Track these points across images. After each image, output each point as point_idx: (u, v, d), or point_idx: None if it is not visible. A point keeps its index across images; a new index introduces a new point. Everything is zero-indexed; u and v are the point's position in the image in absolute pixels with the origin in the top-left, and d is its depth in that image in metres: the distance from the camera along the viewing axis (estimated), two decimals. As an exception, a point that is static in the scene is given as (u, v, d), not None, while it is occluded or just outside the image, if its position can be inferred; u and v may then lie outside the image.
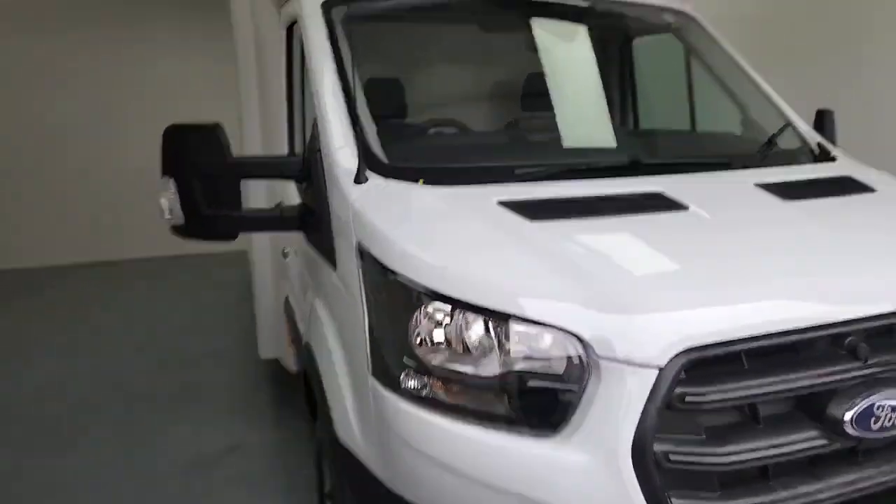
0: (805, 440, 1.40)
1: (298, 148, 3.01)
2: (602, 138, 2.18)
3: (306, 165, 2.13)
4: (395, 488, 1.55)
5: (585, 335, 1.36)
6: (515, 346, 1.41)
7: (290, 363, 3.60)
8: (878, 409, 1.41)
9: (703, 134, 2.47)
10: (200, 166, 2.06)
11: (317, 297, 2.14)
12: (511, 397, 1.41)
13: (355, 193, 1.85)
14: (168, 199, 2.10)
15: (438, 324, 1.47)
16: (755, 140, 2.46)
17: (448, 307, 1.46)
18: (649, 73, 3.12)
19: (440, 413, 1.46)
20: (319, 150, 2.11)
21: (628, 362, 1.33)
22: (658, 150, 2.17)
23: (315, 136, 2.18)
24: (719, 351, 1.36)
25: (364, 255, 1.70)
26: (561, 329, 1.38)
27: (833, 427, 1.41)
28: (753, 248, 1.61)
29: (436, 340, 1.48)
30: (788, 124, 2.52)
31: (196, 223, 2.11)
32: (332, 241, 1.95)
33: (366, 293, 1.66)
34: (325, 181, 2.04)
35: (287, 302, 3.33)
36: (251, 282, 4.79)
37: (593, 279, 1.43)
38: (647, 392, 1.31)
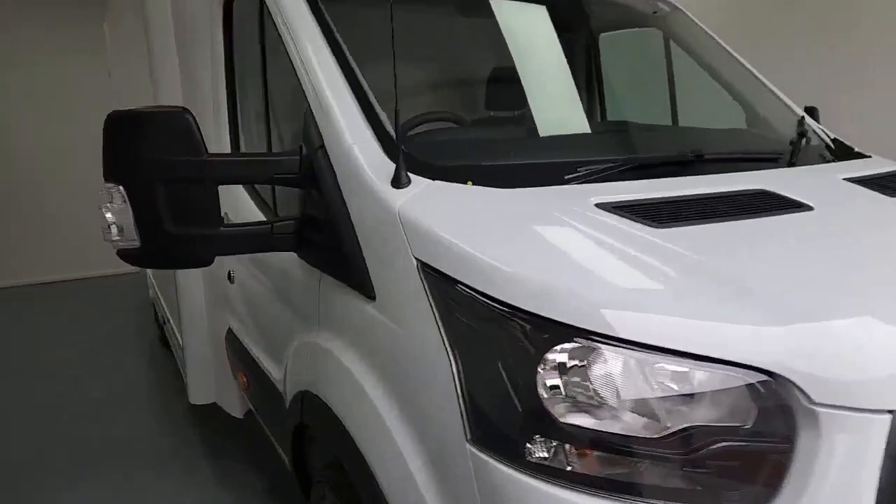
0: None
1: (246, 147, 2.47)
2: (659, 132, 1.86)
3: (306, 165, 1.63)
4: None
5: (793, 377, 1.02)
6: (697, 396, 1.05)
7: (235, 407, 3.02)
8: None
9: (730, 130, 2.25)
10: (165, 167, 1.50)
11: (332, 338, 1.64)
12: (697, 466, 1.04)
13: (401, 199, 1.40)
14: (114, 213, 1.52)
15: (582, 369, 1.07)
16: (775, 136, 2.27)
17: (596, 346, 1.06)
18: (634, 67, 2.88)
19: (589, 492, 1.06)
20: (322, 147, 1.63)
21: (849, 406, 1.01)
22: (707, 144, 1.90)
23: (311, 131, 1.69)
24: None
25: (436, 279, 1.26)
26: (758, 370, 1.03)
27: None
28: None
29: (578, 392, 1.08)
30: (803, 119, 2.36)
31: (157, 245, 1.55)
32: (361, 263, 1.48)
33: (447, 331, 1.22)
34: (338, 185, 1.57)
35: (231, 335, 2.75)
36: (163, 312, 4.10)
37: (779, 305, 1.09)
38: (884, 442, 1.00)
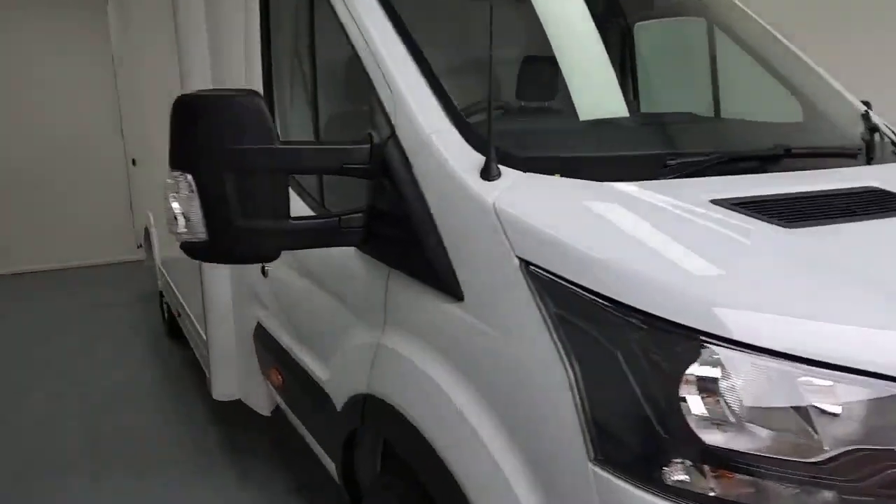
0: None
1: (295, 132, 2.35)
2: (741, 125, 1.77)
3: (377, 155, 1.52)
4: None
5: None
6: (857, 413, 0.96)
7: (262, 404, 2.90)
8: None
9: (802, 124, 2.16)
10: (235, 155, 1.39)
11: (403, 339, 1.53)
12: (864, 495, 0.95)
13: (494, 192, 1.30)
14: (181, 203, 1.40)
15: (730, 385, 0.98)
16: (843, 131, 2.18)
17: (748, 359, 0.97)
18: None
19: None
20: (394, 135, 1.51)
21: None
22: (790, 139, 1.81)
23: (379, 119, 1.58)
24: None
25: (546, 281, 1.16)
26: None
27: None
28: None
29: (725, 409, 0.98)
30: (868, 113, 2.27)
31: (226, 239, 1.43)
32: (444, 260, 1.38)
33: (562, 338, 1.12)
34: (413, 176, 1.46)
35: (262, 330, 2.64)
36: (177, 304, 3.97)
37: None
38: None
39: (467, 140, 1.45)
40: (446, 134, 1.46)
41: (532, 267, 1.19)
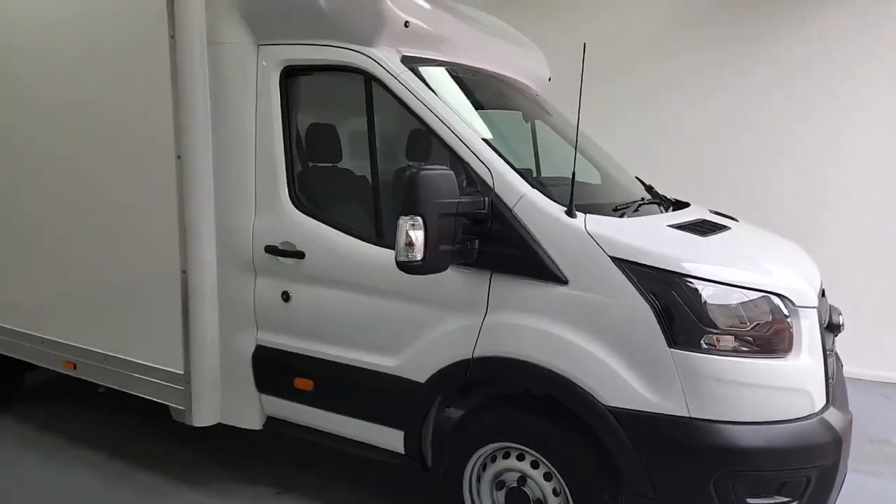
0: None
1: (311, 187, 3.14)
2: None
3: (487, 204, 2.51)
4: (695, 414, 2.26)
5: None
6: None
7: (254, 419, 3.31)
8: None
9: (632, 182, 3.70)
10: (441, 205, 2.27)
11: (511, 315, 2.50)
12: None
13: (580, 223, 2.44)
14: (416, 237, 2.20)
15: (722, 300, 2.32)
16: (627, 189, 3.80)
17: (704, 284, 2.33)
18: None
19: (731, 355, 2.29)
20: (494, 193, 2.53)
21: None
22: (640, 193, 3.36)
23: (474, 179, 2.57)
24: None
25: (631, 265, 2.35)
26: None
27: None
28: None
29: (724, 312, 2.31)
30: (638, 178, 3.99)
31: (432, 258, 2.29)
32: (550, 262, 2.44)
33: (641, 290, 2.32)
34: (514, 216, 2.50)
35: (266, 350, 3.16)
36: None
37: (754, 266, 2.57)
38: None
39: (544, 194, 2.55)
40: (531, 193, 2.53)
41: (617, 259, 2.38)
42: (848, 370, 3.14)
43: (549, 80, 4.23)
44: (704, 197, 3.77)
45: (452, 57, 3.19)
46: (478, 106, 3.06)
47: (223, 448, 3.85)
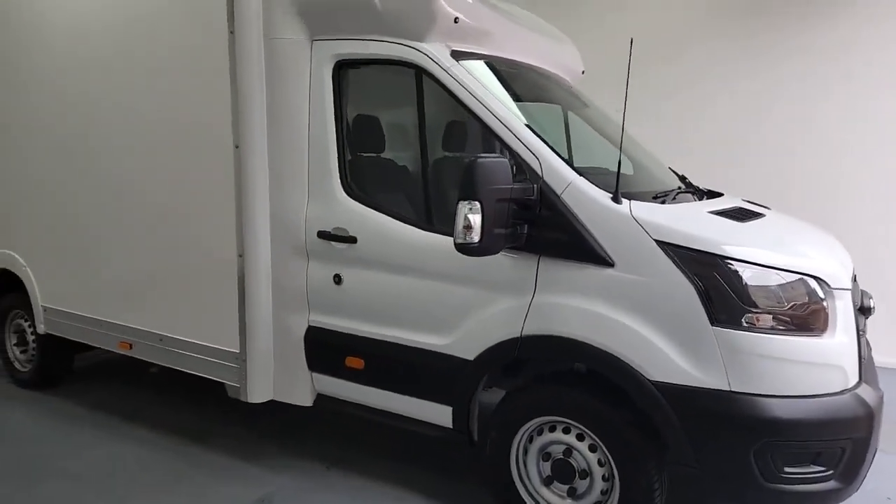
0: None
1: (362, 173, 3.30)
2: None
3: (536, 191, 2.65)
4: (736, 388, 2.40)
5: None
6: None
7: (305, 396, 3.47)
8: None
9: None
10: (497, 191, 2.42)
11: (558, 295, 2.64)
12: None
13: (625, 209, 2.58)
14: (474, 220, 2.35)
15: (762, 282, 2.45)
16: (661, 179, 3.93)
17: (743, 266, 2.45)
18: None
19: (770, 333, 2.43)
20: (543, 180, 2.67)
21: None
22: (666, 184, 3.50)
23: (524, 169, 2.71)
24: None
25: (673, 248, 2.48)
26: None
27: None
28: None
29: (764, 293, 2.44)
30: (671, 169, 4.11)
31: (488, 241, 2.44)
32: (597, 246, 2.58)
33: (685, 269, 2.45)
34: (563, 202, 2.64)
35: (318, 330, 3.32)
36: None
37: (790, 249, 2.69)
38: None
39: (589, 181, 2.68)
40: (578, 180, 2.67)
41: (661, 242, 2.51)
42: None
43: (583, 73, 4.35)
44: (732, 188, 3.91)
45: (495, 51, 3.33)
46: (519, 98, 3.21)
47: (271, 426, 4.04)
